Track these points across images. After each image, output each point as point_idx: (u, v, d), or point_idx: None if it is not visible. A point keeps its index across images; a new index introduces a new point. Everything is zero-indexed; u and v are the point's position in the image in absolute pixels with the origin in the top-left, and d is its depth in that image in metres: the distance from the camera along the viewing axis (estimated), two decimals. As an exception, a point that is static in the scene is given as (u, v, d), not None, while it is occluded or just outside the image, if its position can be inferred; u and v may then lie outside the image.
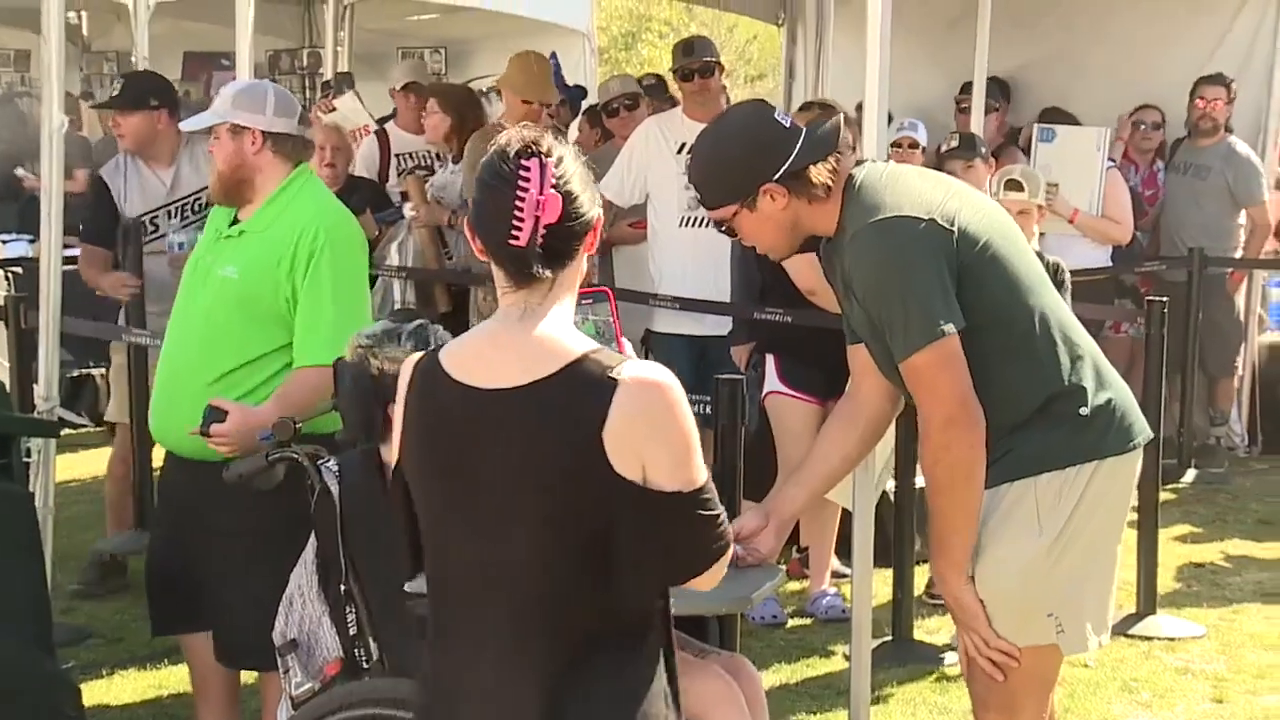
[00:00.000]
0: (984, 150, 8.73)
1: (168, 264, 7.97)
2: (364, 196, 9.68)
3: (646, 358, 8.99)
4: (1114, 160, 10.66)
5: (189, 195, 8.34)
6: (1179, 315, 9.40)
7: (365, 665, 4.93)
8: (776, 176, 4.43)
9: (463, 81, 13.26)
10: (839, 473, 5.02)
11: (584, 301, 3.75)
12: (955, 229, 4.42)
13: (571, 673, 3.39)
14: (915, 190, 4.50)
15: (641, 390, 3.34)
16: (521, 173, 3.36)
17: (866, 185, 4.53)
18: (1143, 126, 11.33)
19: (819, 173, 4.46)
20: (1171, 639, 7.75)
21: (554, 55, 11.93)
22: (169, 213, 8.33)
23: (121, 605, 8.29)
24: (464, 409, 3.43)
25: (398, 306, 9.37)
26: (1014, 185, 7.79)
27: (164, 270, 7.94)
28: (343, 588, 4.94)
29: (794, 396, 7.84)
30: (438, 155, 10.67)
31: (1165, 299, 8.32)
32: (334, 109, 10.96)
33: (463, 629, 3.53)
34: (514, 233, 3.34)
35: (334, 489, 4.95)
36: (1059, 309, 4.63)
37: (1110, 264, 10.66)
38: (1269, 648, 7.67)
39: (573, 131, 11.89)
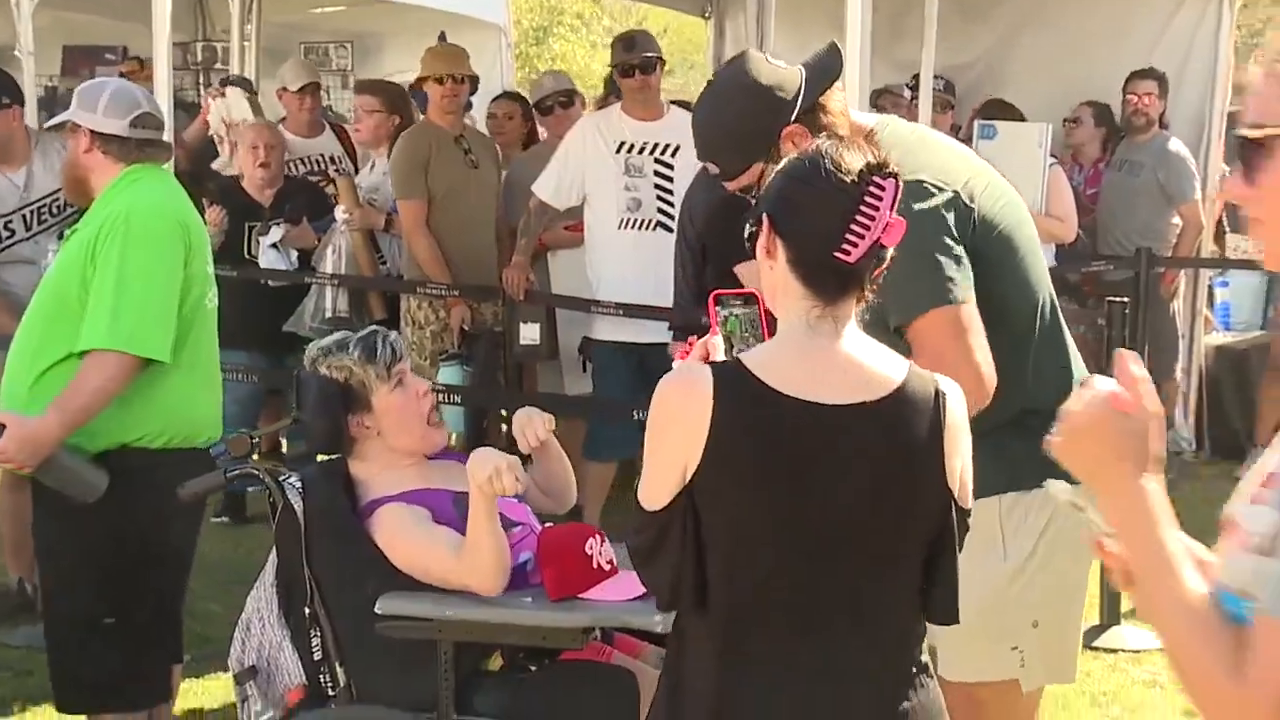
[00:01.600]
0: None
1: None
2: (299, 204, 9.54)
3: (585, 366, 8.96)
4: (1056, 157, 10.59)
5: (45, 197, 8.13)
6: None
7: (331, 692, 4.77)
8: (794, 115, 4.21)
9: (373, 78, 13.13)
10: None
11: (733, 302, 3.57)
12: (975, 207, 4.23)
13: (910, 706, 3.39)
14: (943, 157, 4.33)
15: (957, 400, 3.36)
16: (873, 189, 3.24)
17: (900, 135, 4.36)
18: (1065, 123, 11.33)
19: (835, 101, 4.29)
20: (1137, 651, 7.73)
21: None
22: (24, 216, 8.12)
23: (34, 633, 7.99)
24: (808, 424, 3.26)
25: (329, 314, 9.22)
26: None
27: (25, 281, 7.58)
28: (307, 610, 4.78)
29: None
30: (332, 159, 10.60)
31: (1125, 299, 8.25)
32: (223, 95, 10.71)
33: (791, 659, 3.34)
34: (846, 248, 3.21)
35: (298, 506, 4.79)
36: (1058, 315, 4.49)
37: (1055, 263, 10.59)
38: (1233, 658, 7.54)
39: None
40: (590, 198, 9.00)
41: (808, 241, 3.25)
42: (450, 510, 4.78)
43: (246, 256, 9.48)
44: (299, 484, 4.85)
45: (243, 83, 11.00)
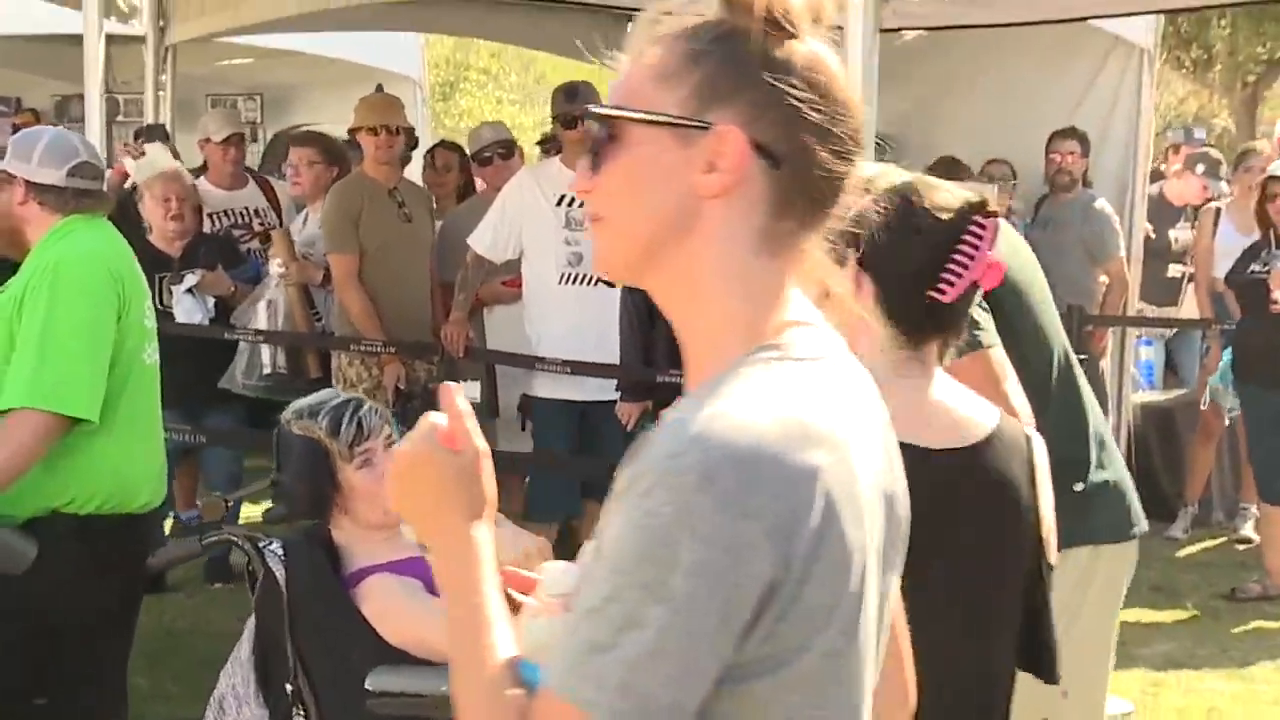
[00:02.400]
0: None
1: None
2: (212, 251, 9.25)
3: (524, 426, 8.72)
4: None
5: None
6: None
7: (316, 773, 4.48)
8: None
9: (282, 129, 12.83)
10: None
11: None
12: None
13: None
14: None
15: (1042, 447, 3.22)
16: (974, 229, 3.09)
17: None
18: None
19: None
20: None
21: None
22: None
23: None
24: (922, 475, 2.95)
25: (267, 371, 8.92)
26: None
27: None
28: (289, 687, 4.48)
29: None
30: (256, 212, 10.33)
31: (1082, 355, 8.10)
32: (143, 153, 10.35)
33: None
34: (942, 287, 3.07)
35: (280, 575, 4.50)
36: (1073, 368, 4.32)
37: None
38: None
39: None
40: (528, 252, 8.79)
41: (897, 279, 3.09)
42: None
43: (160, 307, 9.11)
44: (280, 550, 4.56)
45: (160, 133, 10.67)
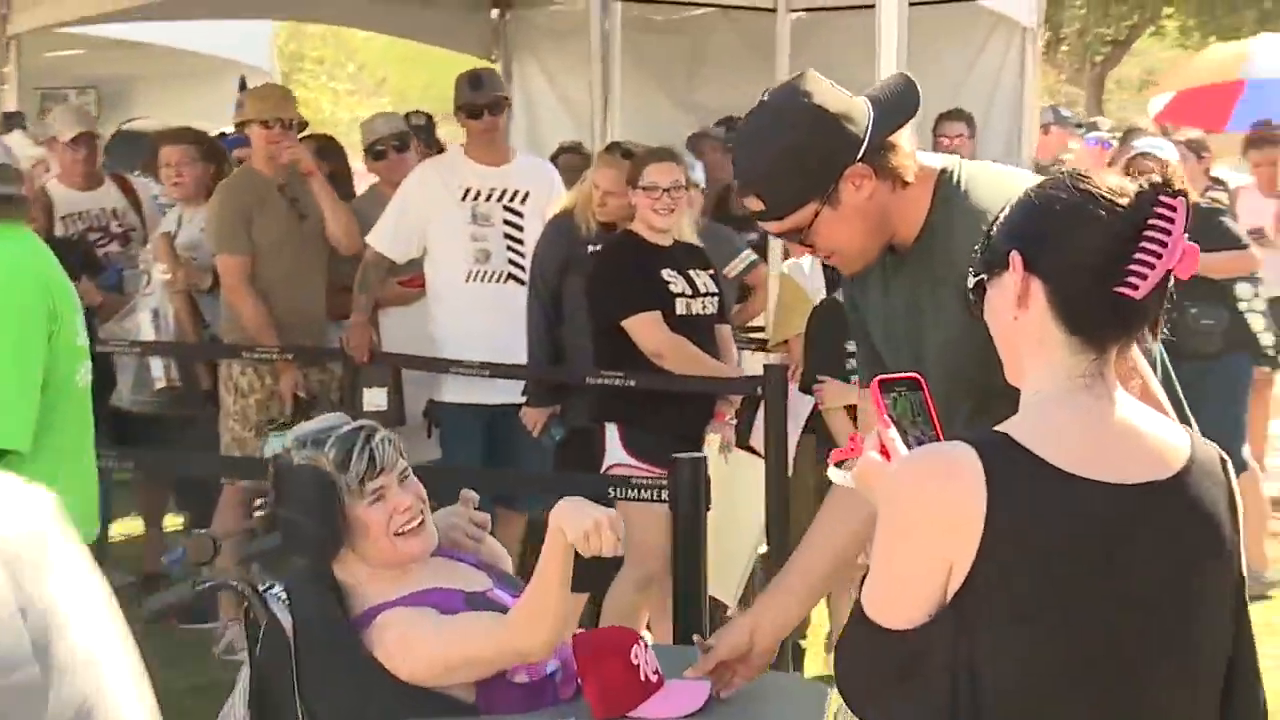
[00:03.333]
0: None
1: None
2: (74, 260, 8.56)
3: (430, 432, 8.21)
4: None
5: None
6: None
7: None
8: (861, 154, 3.57)
9: (122, 124, 12.18)
10: (836, 569, 4.15)
11: (898, 386, 2.92)
12: None
13: None
14: None
15: (1229, 468, 2.82)
16: (1161, 209, 2.63)
17: (975, 174, 3.75)
18: None
19: (905, 141, 3.67)
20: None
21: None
22: None
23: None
24: (1104, 511, 2.64)
25: (160, 385, 8.35)
26: None
27: None
28: (295, 747, 4.00)
29: (643, 469, 6.95)
30: (114, 213, 9.68)
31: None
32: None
33: None
34: (1132, 280, 2.62)
35: (286, 622, 4.02)
36: None
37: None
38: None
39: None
40: (432, 249, 8.31)
41: (1078, 277, 2.67)
42: (464, 609, 4.08)
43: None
44: (284, 594, 4.07)
45: (19, 121, 10.01)
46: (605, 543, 3.81)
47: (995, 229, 2.79)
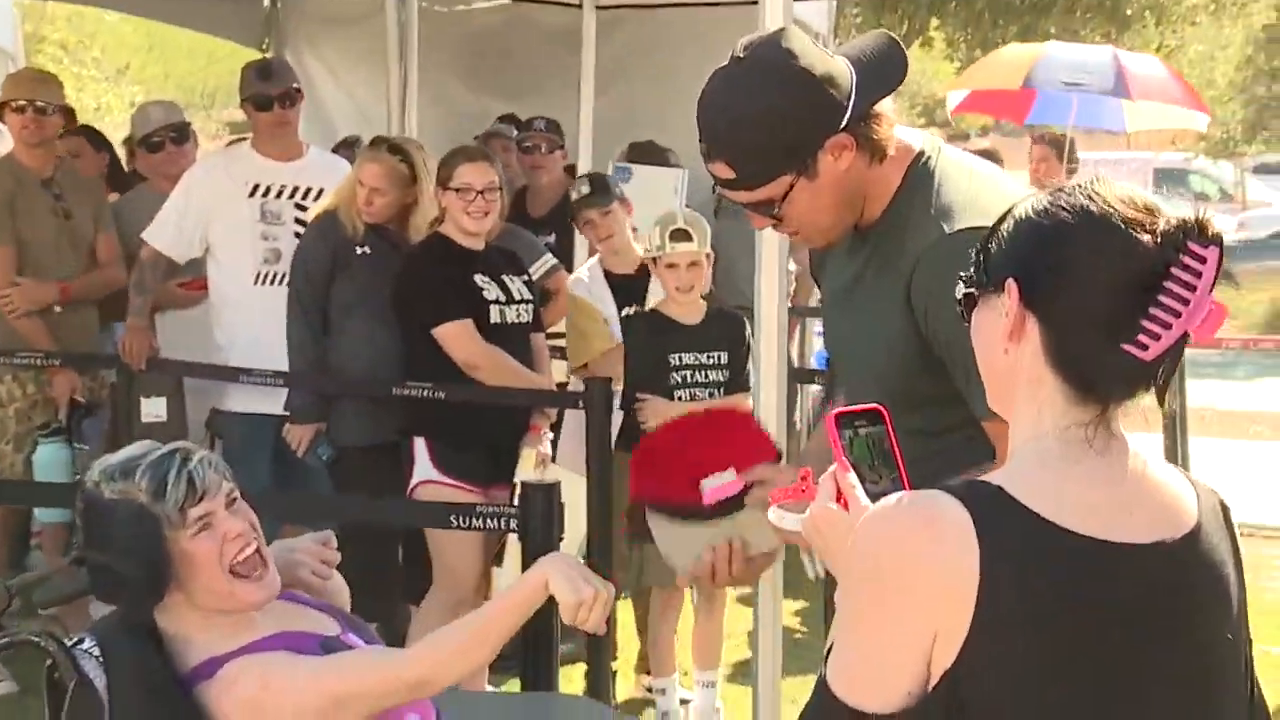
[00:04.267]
0: (619, 191, 7.62)
1: None
2: None
3: (212, 444, 7.63)
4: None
5: None
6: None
7: None
8: (845, 122, 3.18)
9: None
10: None
11: (856, 422, 2.47)
12: None
13: None
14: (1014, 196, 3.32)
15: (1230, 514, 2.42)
16: (1189, 258, 2.18)
17: (951, 165, 3.36)
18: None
19: (885, 115, 3.27)
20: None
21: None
22: None
23: None
24: (1110, 573, 2.21)
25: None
26: (681, 235, 6.73)
27: None
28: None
29: (454, 485, 6.54)
30: None
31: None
32: None
33: None
34: (1144, 339, 2.18)
35: (100, 683, 3.42)
36: None
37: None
38: None
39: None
40: (216, 249, 7.68)
41: (1078, 324, 2.23)
42: (320, 654, 3.53)
43: None
44: (97, 651, 3.46)
45: None
46: (594, 620, 3.37)
47: (994, 241, 2.34)
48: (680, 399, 6.64)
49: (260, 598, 3.56)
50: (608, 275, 7.41)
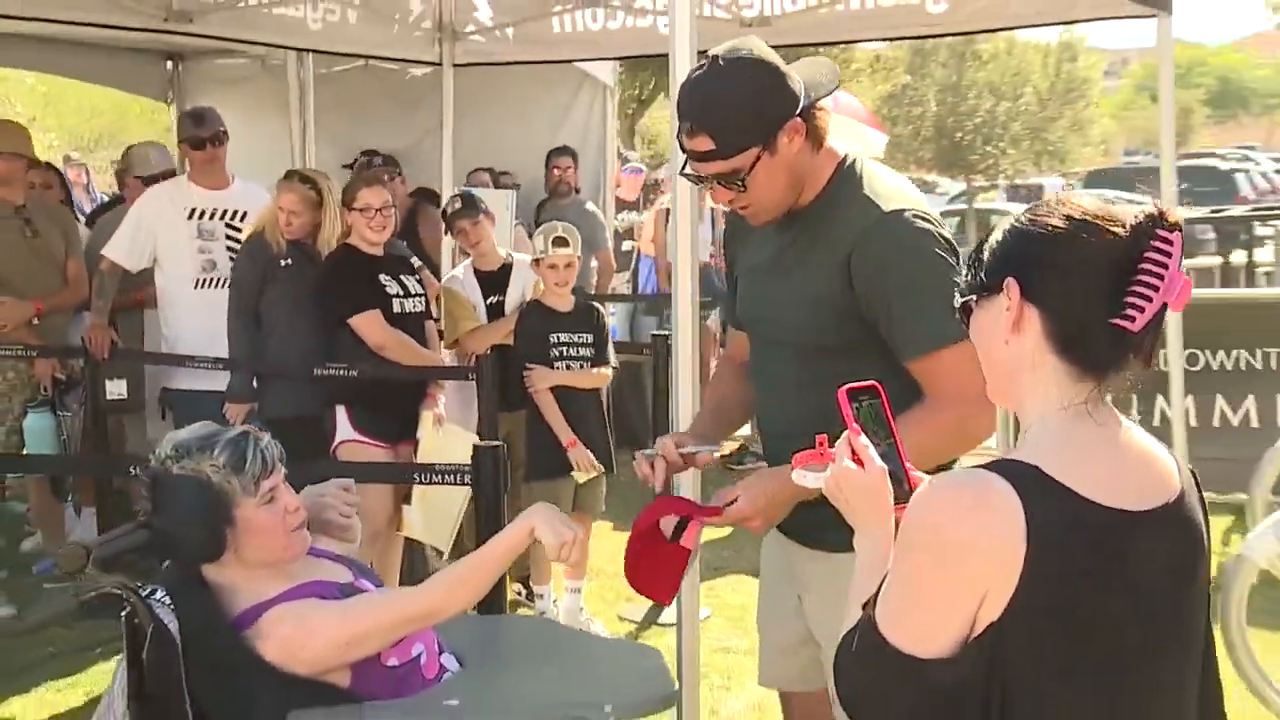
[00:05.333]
0: (484, 206, 7.33)
1: None
2: None
3: (164, 415, 7.26)
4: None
5: None
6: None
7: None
8: (799, 110, 3.03)
9: None
10: (748, 400, 3.52)
11: (861, 396, 2.29)
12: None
13: None
14: (920, 196, 3.18)
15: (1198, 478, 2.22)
16: (1159, 242, 1.99)
17: (873, 168, 3.19)
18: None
19: (825, 114, 3.13)
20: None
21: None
22: None
23: None
24: (1129, 541, 2.00)
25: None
26: (561, 241, 6.51)
27: None
28: (184, 738, 3.10)
29: (368, 443, 6.31)
30: None
31: (666, 332, 7.20)
32: None
33: None
34: (1130, 313, 1.98)
35: (173, 626, 3.10)
36: None
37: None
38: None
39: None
40: (163, 260, 7.22)
41: (1075, 307, 2.03)
42: (340, 598, 3.25)
43: None
44: (167, 599, 3.14)
45: None
46: (573, 557, 3.15)
47: (986, 252, 2.13)
48: (558, 368, 6.46)
49: (303, 550, 3.30)
50: (476, 272, 7.18)
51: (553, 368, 6.43)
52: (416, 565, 7.10)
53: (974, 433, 3.06)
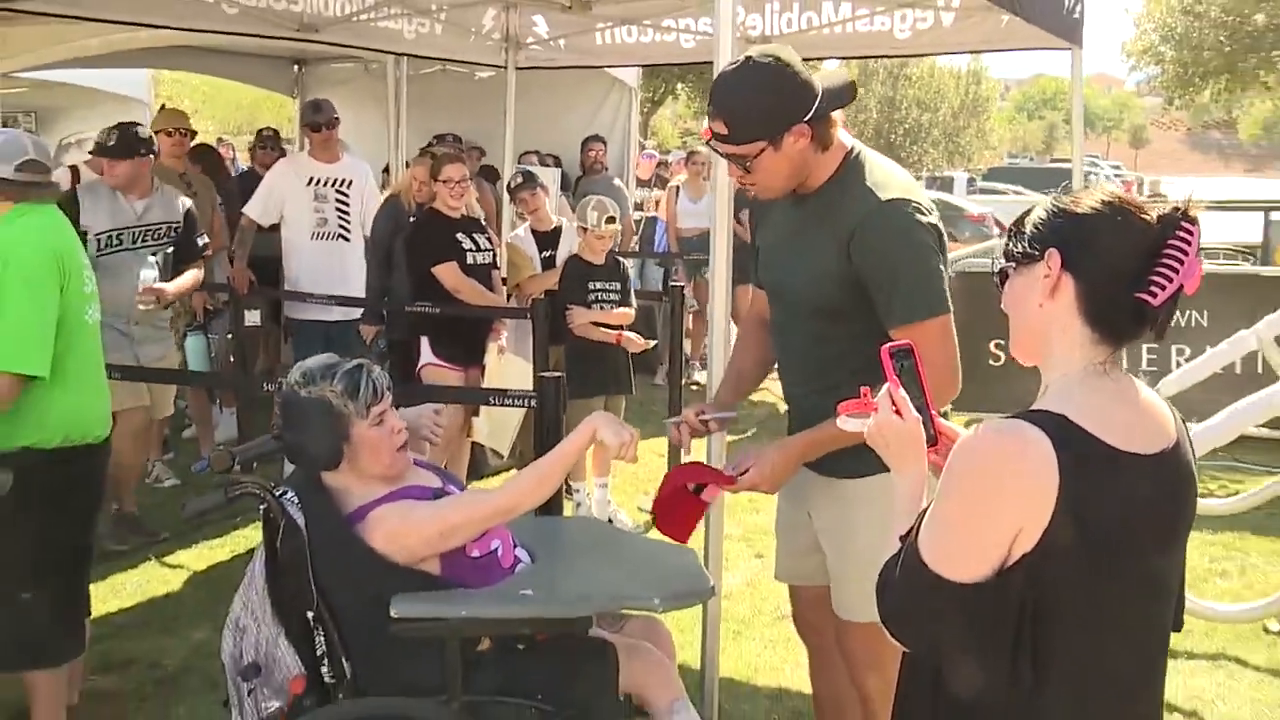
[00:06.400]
0: (540, 180, 7.04)
1: (137, 293, 5.42)
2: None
3: (287, 338, 7.01)
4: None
5: (154, 224, 5.74)
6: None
7: (330, 680, 2.86)
8: (808, 117, 2.70)
9: (62, 138, 10.22)
10: (764, 366, 3.23)
11: (900, 354, 2.00)
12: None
13: None
14: (918, 187, 2.85)
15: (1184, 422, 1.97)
16: (1182, 232, 1.74)
17: (874, 160, 2.86)
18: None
19: (835, 122, 2.80)
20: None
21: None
22: (133, 233, 5.65)
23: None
24: (1143, 480, 1.75)
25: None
26: (611, 220, 6.18)
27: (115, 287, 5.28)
28: (310, 614, 2.85)
29: (444, 367, 6.04)
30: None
31: (681, 283, 6.93)
32: None
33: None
34: (1153, 289, 1.73)
35: (300, 521, 2.84)
36: None
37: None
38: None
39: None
40: (287, 218, 6.90)
41: (1107, 281, 1.77)
42: (432, 499, 2.98)
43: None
44: (295, 499, 2.88)
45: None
46: (630, 454, 2.87)
47: (1029, 226, 1.85)
48: (595, 308, 6.14)
49: (406, 466, 3.03)
50: (533, 233, 6.87)
51: (590, 307, 6.12)
52: (480, 463, 6.86)
53: (941, 397, 2.78)
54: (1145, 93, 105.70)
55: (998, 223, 18.41)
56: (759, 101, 2.70)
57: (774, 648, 4.76)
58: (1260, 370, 6.56)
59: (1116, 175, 35.40)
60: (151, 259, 5.48)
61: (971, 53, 7.38)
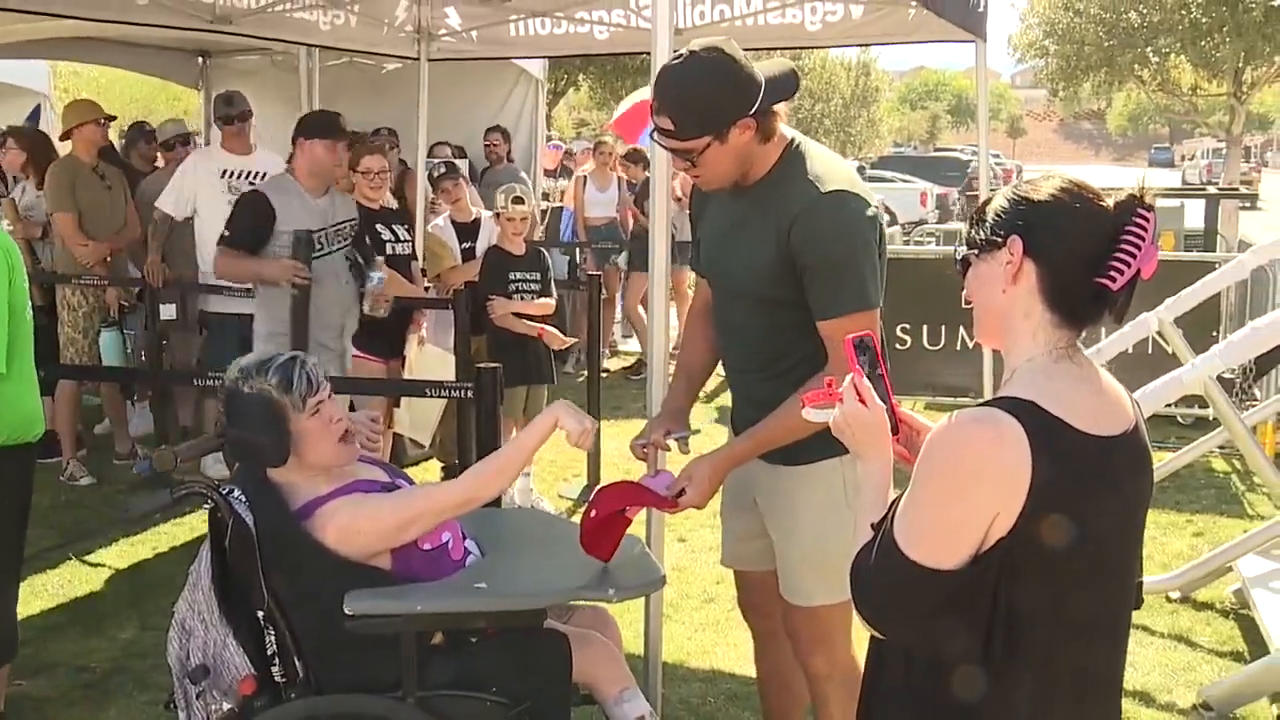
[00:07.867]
0: (461, 171, 6.96)
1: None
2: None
3: (201, 332, 6.81)
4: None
5: (341, 221, 5.22)
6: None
7: (281, 679, 2.80)
8: (753, 111, 2.66)
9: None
10: (711, 365, 3.19)
11: (860, 345, 1.98)
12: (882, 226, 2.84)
13: None
14: (857, 177, 2.83)
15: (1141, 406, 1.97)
16: (1139, 220, 1.75)
17: (814, 151, 2.82)
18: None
19: (778, 114, 2.76)
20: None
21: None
22: (327, 235, 5.14)
23: None
24: (1108, 462, 1.76)
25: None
26: (519, 200, 6.09)
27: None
28: (260, 613, 2.77)
29: (366, 358, 5.89)
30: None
31: (598, 273, 6.88)
32: None
33: (1087, 685, 1.83)
34: (1112, 274, 1.74)
35: (249, 519, 2.76)
36: None
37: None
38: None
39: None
40: (200, 210, 6.67)
41: (1068, 266, 1.77)
42: (381, 492, 2.92)
43: None
44: (243, 497, 2.80)
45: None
46: (587, 442, 2.84)
47: (990, 215, 1.85)
48: (516, 299, 6.05)
49: (351, 456, 2.95)
50: (454, 223, 6.78)
51: (510, 298, 6.04)
52: (399, 454, 6.75)
53: None
54: (1021, 85, 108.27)
55: (889, 210, 18.69)
56: (704, 97, 2.65)
57: (704, 631, 4.77)
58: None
59: (996, 163, 36.19)
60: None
61: (880, 44, 7.44)
